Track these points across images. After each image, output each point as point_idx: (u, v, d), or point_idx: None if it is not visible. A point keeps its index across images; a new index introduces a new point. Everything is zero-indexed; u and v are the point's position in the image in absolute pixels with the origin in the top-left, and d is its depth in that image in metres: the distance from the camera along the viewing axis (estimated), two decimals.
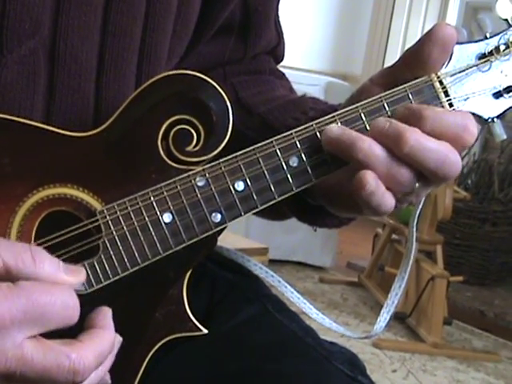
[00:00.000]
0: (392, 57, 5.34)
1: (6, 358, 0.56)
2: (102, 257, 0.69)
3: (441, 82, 0.73)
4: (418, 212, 0.85)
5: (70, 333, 0.60)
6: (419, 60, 0.72)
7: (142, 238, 0.70)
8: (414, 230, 0.85)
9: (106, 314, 0.65)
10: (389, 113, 0.71)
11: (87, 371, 0.59)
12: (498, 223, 3.99)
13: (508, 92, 0.74)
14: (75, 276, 0.62)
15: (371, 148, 0.69)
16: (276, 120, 0.86)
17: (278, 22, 1.00)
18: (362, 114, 0.72)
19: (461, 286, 3.73)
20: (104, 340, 0.62)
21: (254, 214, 0.76)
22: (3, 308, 0.55)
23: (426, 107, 0.70)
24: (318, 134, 0.72)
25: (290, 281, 3.41)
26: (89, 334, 0.62)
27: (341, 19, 5.71)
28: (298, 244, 3.98)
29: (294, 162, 0.72)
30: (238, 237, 2.54)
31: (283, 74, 1.02)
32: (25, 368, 0.57)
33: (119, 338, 0.66)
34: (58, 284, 0.60)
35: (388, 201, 0.70)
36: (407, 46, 0.74)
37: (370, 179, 0.69)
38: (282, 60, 1.04)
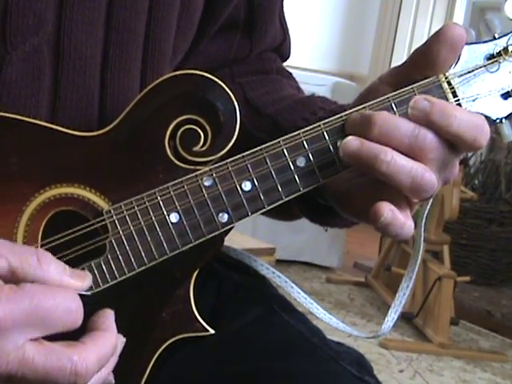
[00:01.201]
0: (399, 57, 5.34)
1: (8, 360, 0.56)
2: (109, 257, 0.69)
3: (449, 83, 0.72)
4: (425, 212, 0.85)
5: (74, 334, 0.60)
6: (428, 60, 0.72)
7: (148, 238, 0.70)
8: (422, 230, 0.85)
9: (108, 317, 0.65)
10: (397, 113, 0.71)
11: (89, 374, 0.59)
12: (504, 223, 3.98)
13: None
14: (81, 280, 0.62)
15: (394, 160, 0.68)
16: (285, 121, 0.86)
17: (284, 18, 0.99)
18: None
19: (468, 286, 3.73)
20: (106, 342, 0.62)
21: (264, 214, 0.76)
22: (5, 310, 0.55)
23: (451, 105, 0.70)
24: (325, 134, 0.71)
25: (297, 281, 3.41)
26: (91, 336, 0.62)
27: (348, 19, 5.70)
28: (305, 244, 3.98)
29: (301, 162, 0.71)
30: (245, 237, 2.54)
31: (290, 74, 1.01)
32: (26, 370, 0.56)
33: (122, 339, 0.66)
34: (63, 288, 0.60)
35: (406, 230, 0.71)
36: (414, 47, 0.73)
37: (386, 211, 0.69)
38: (288, 58, 1.04)
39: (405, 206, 0.71)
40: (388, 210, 0.69)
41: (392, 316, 0.86)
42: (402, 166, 0.68)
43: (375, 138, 0.69)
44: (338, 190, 0.77)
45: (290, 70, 1.02)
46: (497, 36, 0.74)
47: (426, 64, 0.72)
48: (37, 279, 0.58)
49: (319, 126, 0.72)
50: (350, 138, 0.69)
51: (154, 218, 0.70)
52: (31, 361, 0.56)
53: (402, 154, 0.69)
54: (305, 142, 0.71)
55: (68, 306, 0.58)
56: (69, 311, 0.58)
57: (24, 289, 0.57)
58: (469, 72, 0.73)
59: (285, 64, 1.03)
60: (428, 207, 0.83)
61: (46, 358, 0.57)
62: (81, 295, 0.60)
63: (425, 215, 0.85)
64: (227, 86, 0.72)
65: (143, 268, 0.70)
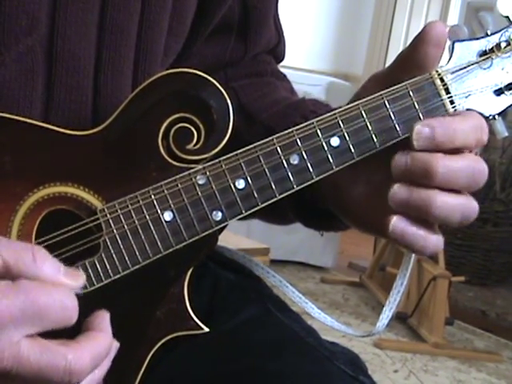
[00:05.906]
0: (393, 57, 5.31)
1: (3, 356, 0.56)
2: (103, 255, 0.69)
3: (441, 79, 0.72)
4: None
5: (69, 333, 0.60)
6: (416, 62, 0.72)
7: (142, 237, 0.70)
8: None
9: (103, 318, 0.64)
10: (389, 110, 0.71)
11: (83, 372, 0.59)
12: (499, 223, 3.99)
13: (509, 89, 0.74)
14: (74, 280, 0.62)
15: (445, 202, 0.68)
16: (277, 126, 0.85)
17: (278, 20, 0.99)
18: (363, 112, 0.72)
19: (462, 286, 3.74)
20: (101, 342, 0.62)
21: (259, 218, 0.76)
22: (1, 306, 0.55)
23: (448, 119, 0.70)
24: (318, 131, 0.72)
25: (292, 281, 3.41)
26: (86, 335, 0.62)
27: (342, 19, 5.71)
28: (300, 244, 3.98)
29: (294, 159, 0.71)
30: (240, 237, 2.54)
31: (284, 76, 1.01)
32: (21, 367, 0.56)
33: (116, 344, 0.66)
34: (57, 285, 0.60)
35: (430, 242, 0.70)
36: None
37: (396, 221, 0.69)
38: (282, 59, 1.04)
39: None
40: (397, 219, 0.69)
41: (386, 314, 0.86)
42: (452, 207, 0.68)
43: (435, 186, 0.68)
44: (344, 202, 0.77)
45: (285, 70, 1.02)
46: (489, 32, 0.74)
47: (415, 66, 0.72)
48: (31, 276, 0.58)
49: (312, 123, 0.72)
50: (396, 186, 0.69)
51: (147, 216, 0.70)
52: (26, 358, 0.56)
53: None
54: (298, 140, 0.71)
55: (64, 303, 0.58)
56: (64, 308, 0.58)
57: (20, 285, 0.57)
58: (461, 69, 0.73)
59: (279, 64, 1.04)
60: None
61: (40, 355, 0.57)
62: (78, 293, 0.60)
63: None
64: (220, 84, 0.72)
65: (137, 267, 0.70)
